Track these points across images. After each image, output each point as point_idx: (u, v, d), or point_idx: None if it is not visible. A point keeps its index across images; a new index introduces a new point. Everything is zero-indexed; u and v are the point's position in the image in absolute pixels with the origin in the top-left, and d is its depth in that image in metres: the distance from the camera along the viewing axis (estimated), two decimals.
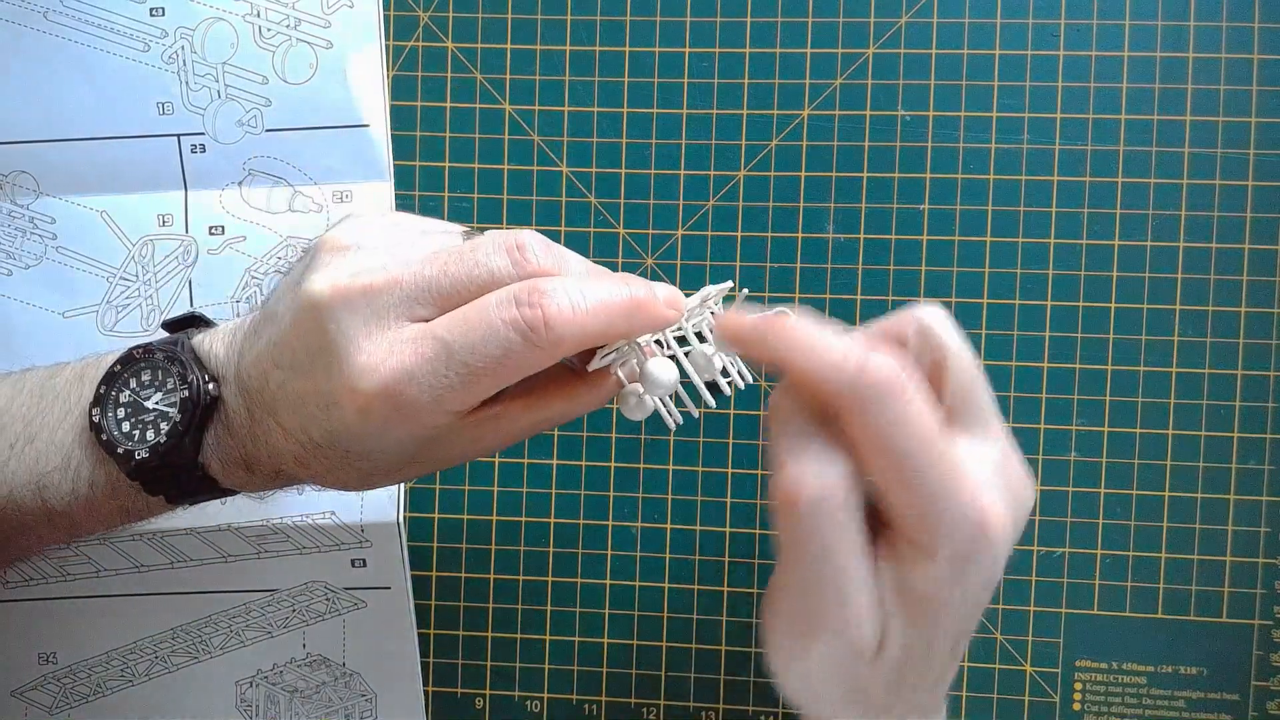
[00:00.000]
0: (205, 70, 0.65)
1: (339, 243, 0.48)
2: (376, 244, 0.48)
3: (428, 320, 0.46)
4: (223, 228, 0.66)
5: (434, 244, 0.48)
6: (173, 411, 0.49)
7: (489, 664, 0.67)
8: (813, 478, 0.41)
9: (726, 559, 0.66)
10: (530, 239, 0.47)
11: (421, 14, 0.66)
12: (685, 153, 0.65)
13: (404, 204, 0.66)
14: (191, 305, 0.66)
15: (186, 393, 0.48)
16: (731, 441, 0.65)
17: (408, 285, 0.46)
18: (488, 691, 0.67)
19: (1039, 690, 0.64)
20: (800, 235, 0.64)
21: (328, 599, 0.67)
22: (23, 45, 0.65)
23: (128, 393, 0.50)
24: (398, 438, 0.46)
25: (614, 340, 0.47)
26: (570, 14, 0.65)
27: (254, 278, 0.66)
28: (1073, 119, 0.63)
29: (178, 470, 0.49)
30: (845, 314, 0.64)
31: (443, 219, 0.65)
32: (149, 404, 0.50)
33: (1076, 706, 0.64)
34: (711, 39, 0.64)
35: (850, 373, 0.40)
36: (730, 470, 0.65)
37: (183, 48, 0.65)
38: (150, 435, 0.49)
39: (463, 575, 0.67)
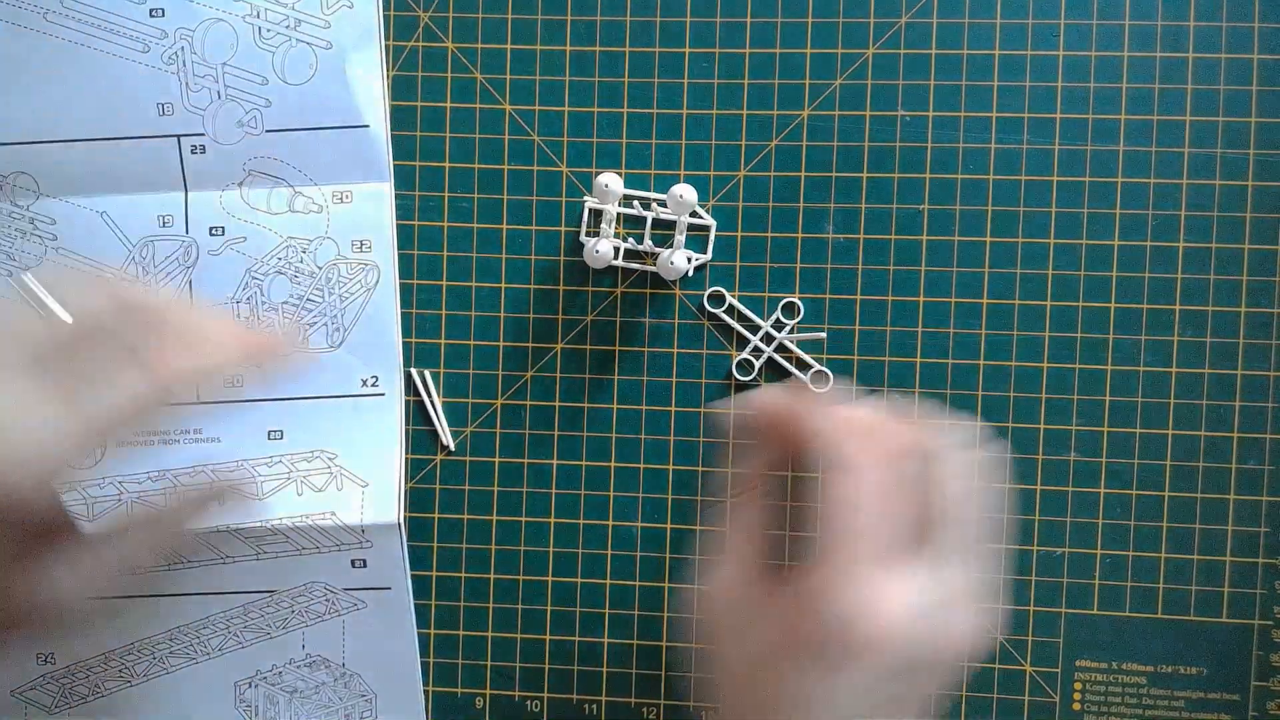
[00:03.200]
0: (205, 71, 0.65)
1: None
2: None
3: None
4: (223, 229, 0.66)
5: None
6: None
7: (489, 664, 0.67)
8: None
9: None
10: None
11: (421, 14, 0.66)
12: (685, 153, 0.65)
13: (404, 204, 0.66)
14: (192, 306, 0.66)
15: None
16: (731, 441, 0.65)
17: None
18: (488, 691, 0.67)
19: (1039, 690, 0.64)
20: (800, 235, 0.64)
21: (327, 599, 0.67)
22: (22, 46, 0.65)
23: None
24: None
25: None
26: (570, 14, 0.65)
27: (254, 278, 0.66)
28: (1073, 119, 0.63)
29: None
30: (845, 314, 0.64)
31: (443, 220, 0.65)
32: None
33: (1076, 706, 0.64)
34: (711, 39, 0.64)
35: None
36: (730, 470, 0.65)
37: (183, 48, 0.65)
38: None
39: (463, 575, 0.67)
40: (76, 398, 0.44)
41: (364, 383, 0.66)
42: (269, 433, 0.66)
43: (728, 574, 0.52)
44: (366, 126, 0.66)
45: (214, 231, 0.66)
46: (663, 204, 0.64)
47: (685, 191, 0.61)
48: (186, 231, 0.66)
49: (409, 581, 0.67)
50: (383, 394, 0.66)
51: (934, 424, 0.51)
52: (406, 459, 0.67)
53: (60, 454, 0.43)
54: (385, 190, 0.66)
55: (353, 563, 0.67)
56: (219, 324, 0.50)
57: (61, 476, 0.45)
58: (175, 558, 0.66)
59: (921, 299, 0.64)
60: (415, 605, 0.67)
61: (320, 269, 0.66)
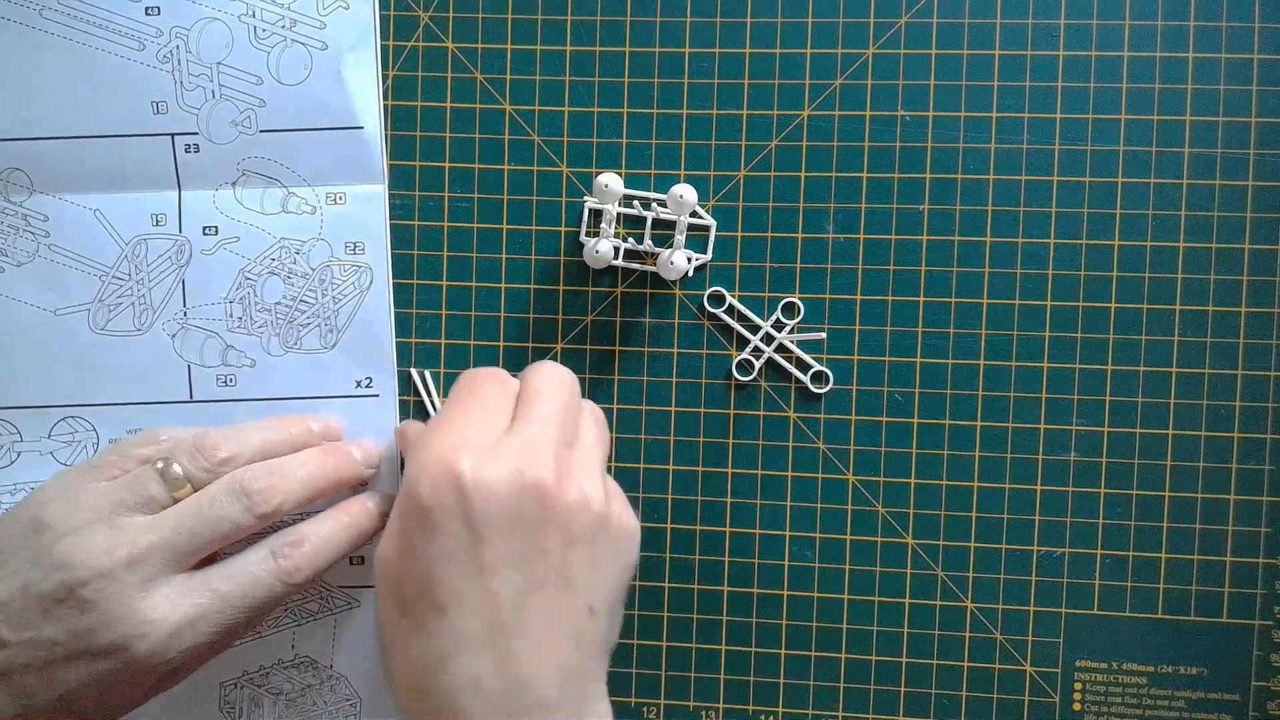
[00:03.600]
0: (200, 70, 0.65)
1: (43, 529, 0.56)
2: (81, 520, 0.56)
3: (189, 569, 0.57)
4: (216, 228, 0.66)
5: (118, 491, 0.57)
6: None
7: None
8: None
9: (726, 559, 0.65)
10: (250, 481, 0.58)
11: (421, 14, 0.65)
12: (685, 153, 0.65)
13: (404, 204, 0.66)
14: (185, 305, 0.66)
15: None
16: (731, 442, 0.65)
17: (163, 551, 0.55)
18: None
19: (1039, 690, 0.64)
20: (800, 235, 0.64)
21: (321, 597, 0.67)
22: (17, 42, 0.64)
23: None
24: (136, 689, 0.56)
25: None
26: (570, 14, 0.65)
27: (247, 279, 0.66)
28: (1073, 119, 0.63)
29: None
30: (845, 314, 0.64)
31: (443, 220, 0.65)
32: None
33: (1076, 706, 0.64)
34: (711, 39, 0.64)
35: None
36: (730, 470, 0.65)
37: (178, 47, 0.65)
38: None
39: None
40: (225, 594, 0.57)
41: (358, 384, 0.66)
42: None
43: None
44: (361, 128, 0.65)
45: (207, 231, 0.66)
46: (663, 204, 0.64)
47: (685, 192, 0.61)
48: (179, 230, 0.66)
49: None
50: (377, 395, 0.66)
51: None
52: (402, 459, 0.66)
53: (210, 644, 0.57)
54: (379, 192, 0.66)
55: (350, 560, 0.66)
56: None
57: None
58: None
59: (921, 299, 0.64)
60: None
61: (313, 270, 0.66)
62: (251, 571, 0.57)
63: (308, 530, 0.60)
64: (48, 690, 0.53)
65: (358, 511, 0.62)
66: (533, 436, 0.52)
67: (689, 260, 0.63)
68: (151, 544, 0.55)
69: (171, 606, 0.54)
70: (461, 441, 0.51)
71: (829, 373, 0.64)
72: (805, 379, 0.64)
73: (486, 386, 0.56)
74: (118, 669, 0.53)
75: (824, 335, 0.64)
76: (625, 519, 0.54)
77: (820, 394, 0.64)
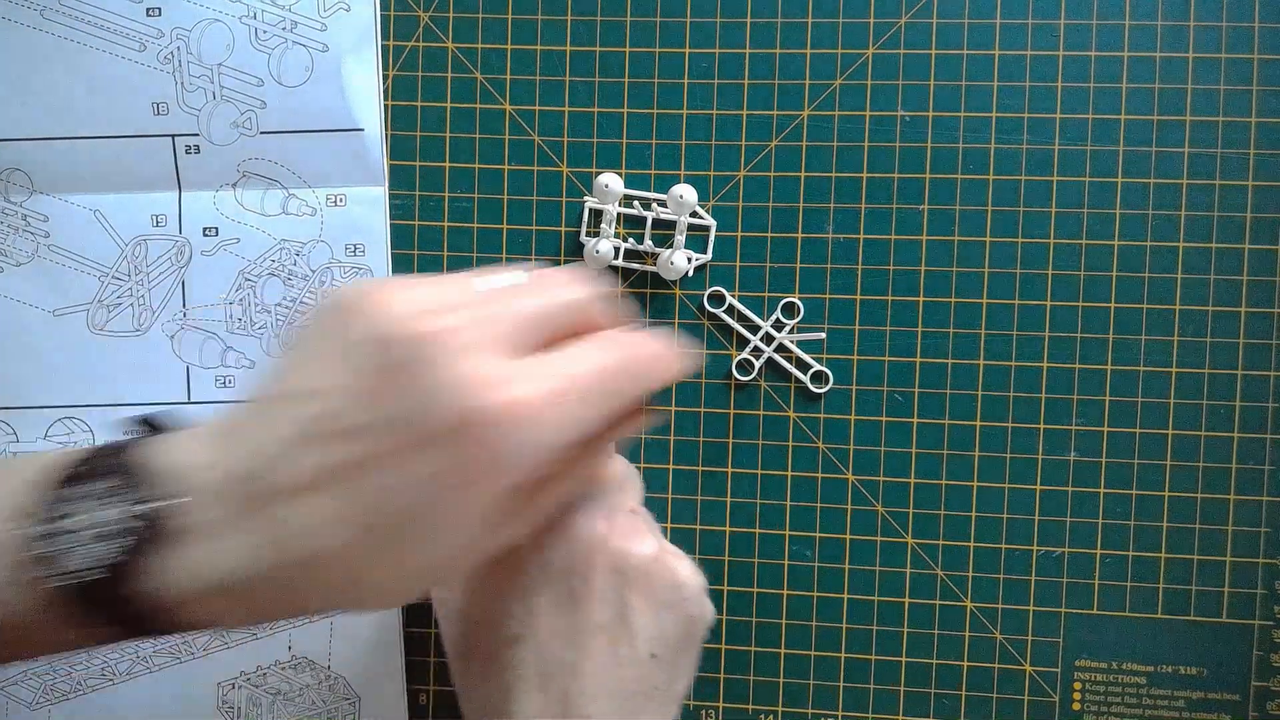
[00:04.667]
0: (201, 71, 0.65)
1: (375, 287, 0.43)
2: (419, 282, 0.44)
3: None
4: (216, 229, 0.66)
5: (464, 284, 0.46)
6: (117, 529, 0.41)
7: None
8: None
9: (726, 559, 0.65)
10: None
11: (421, 14, 0.66)
12: (685, 153, 0.65)
13: (404, 204, 0.66)
14: (184, 306, 0.66)
15: (143, 506, 0.41)
16: (731, 441, 0.65)
17: (507, 316, 0.44)
18: None
19: (1039, 690, 0.64)
20: (800, 235, 0.64)
21: None
22: (19, 43, 0.65)
23: (65, 505, 0.42)
24: (482, 495, 0.43)
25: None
26: (570, 14, 0.65)
27: (247, 280, 0.66)
28: (1073, 119, 0.63)
29: (118, 602, 0.41)
30: (845, 314, 0.64)
31: (443, 220, 0.65)
32: (92, 519, 0.42)
33: (1076, 706, 0.64)
34: (711, 39, 0.65)
35: None
36: (730, 470, 0.65)
37: (179, 48, 0.65)
38: (87, 557, 0.41)
39: None
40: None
41: None
42: None
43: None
44: (361, 130, 0.65)
45: (207, 232, 0.66)
46: (663, 204, 0.64)
47: (685, 192, 0.62)
48: (180, 231, 0.66)
49: None
50: None
51: None
52: None
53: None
54: (379, 194, 0.66)
55: None
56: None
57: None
58: None
59: (921, 299, 0.64)
60: (417, 605, 0.67)
61: (314, 272, 0.66)
62: (609, 362, 0.46)
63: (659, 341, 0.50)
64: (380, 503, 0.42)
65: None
66: (594, 503, 0.53)
67: (689, 260, 0.63)
68: (485, 305, 0.43)
69: (504, 379, 0.42)
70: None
71: (829, 372, 0.64)
72: (805, 379, 0.64)
73: None
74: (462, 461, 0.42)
75: (824, 335, 0.64)
76: (685, 571, 0.54)
77: (820, 393, 0.64)
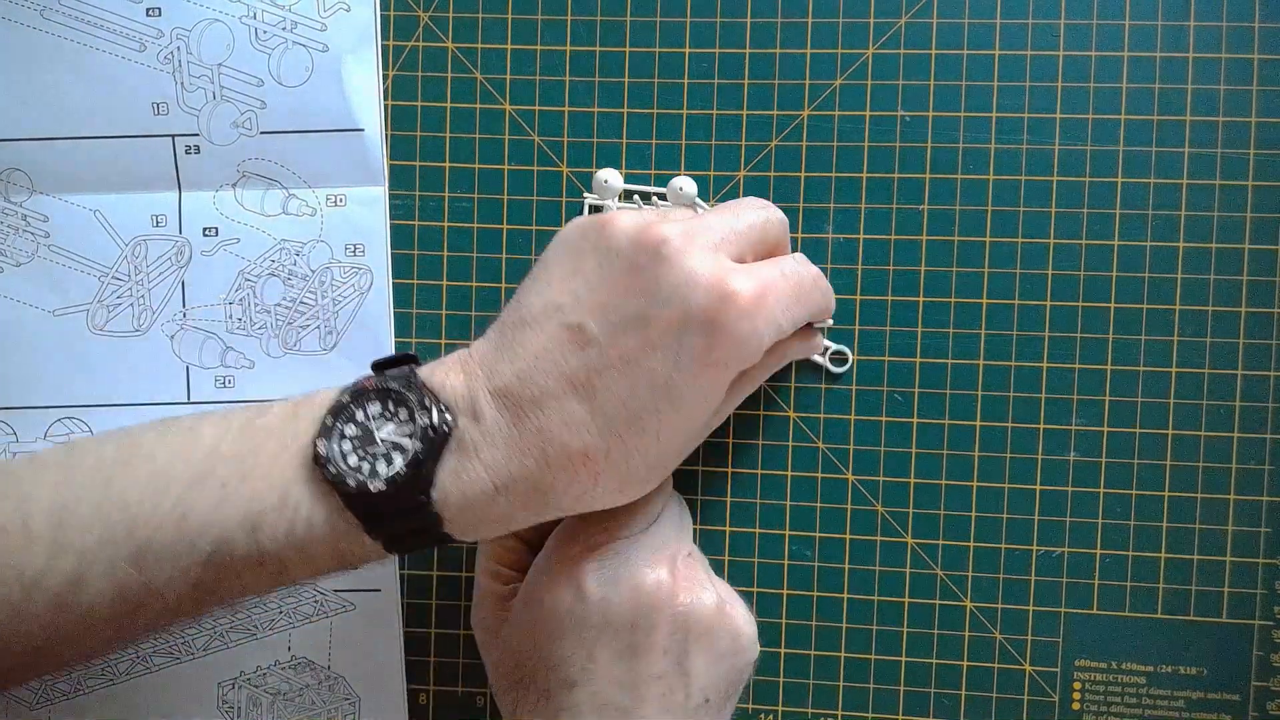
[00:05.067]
0: (201, 71, 0.65)
1: (602, 217, 0.52)
2: (635, 211, 0.54)
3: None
4: (216, 229, 0.66)
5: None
6: (408, 442, 0.49)
7: None
8: None
9: (726, 558, 0.65)
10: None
11: (421, 14, 0.66)
12: (685, 153, 0.65)
13: (404, 204, 0.66)
14: (184, 306, 0.66)
15: (427, 420, 0.49)
16: (731, 441, 0.65)
17: (719, 227, 0.52)
18: (488, 691, 0.67)
19: (1038, 690, 0.64)
20: (800, 235, 0.64)
21: (316, 601, 0.67)
22: (19, 43, 0.65)
23: (354, 426, 0.49)
24: (719, 382, 0.51)
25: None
26: (570, 14, 0.65)
27: (247, 280, 0.66)
28: (1073, 119, 0.63)
29: (409, 509, 0.49)
30: (845, 314, 0.64)
31: (443, 220, 0.65)
32: (381, 435, 0.49)
33: (1076, 706, 0.64)
34: (711, 39, 0.65)
35: None
36: (730, 470, 0.65)
37: (179, 48, 0.65)
38: (383, 468, 0.48)
39: (463, 575, 0.67)
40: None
41: None
42: None
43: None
44: (361, 130, 0.66)
45: (207, 232, 0.66)
46: (663, 198, 0.64)
47: (685, 184, 0.62)
48: (179, 232, 0.66)
49: (400, 585, 0.67)
50: None
51: None
52: None
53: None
54: (379, 194, 0.66)
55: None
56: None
57: None
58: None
59: (921, 299, 0.64)
60: (417, 605, 0.67)
61: (313, 272, 0.66)
62: (804, 276, 0.56)
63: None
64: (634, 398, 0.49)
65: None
66: (647, 550, 0.55)
67: None
68: (700, 219, 0.53)
69: (744, 275, 0.50)
70: (584, 552, 0.54)
71: (847, 351, 0.64)
72: (825, 360, 0.64)
73: None
74: (714, 342, 0.49)
75: (824, 338, 0.65)
76: (742, 619, 0.56)
77: (839, 374, 0.64)
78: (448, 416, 0.49)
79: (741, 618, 0.56)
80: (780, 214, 0.56)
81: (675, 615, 0.53)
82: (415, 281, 0.66)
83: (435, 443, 0.48)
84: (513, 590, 0.58)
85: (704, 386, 0.50)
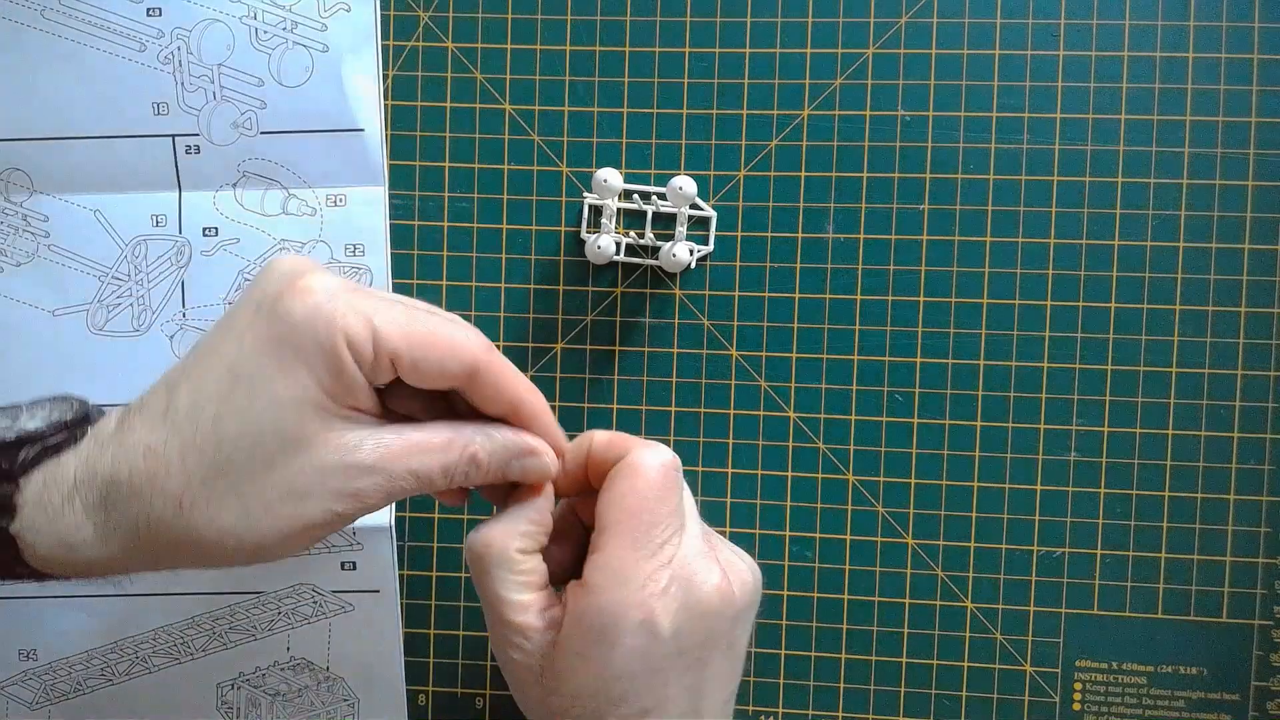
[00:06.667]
0: (201, 71, 0.65)
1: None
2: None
3: None
4: (216, 229, 0.66)
5: None
6: (36, 421, 0.50)
7: (489, 664, 0.67)
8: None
9: None
10: None
11: (421, 14, 0.66)
12: (685, 153, 0.65)
13: (404, 204, 0.66)
14: (184, 306, 0.66)
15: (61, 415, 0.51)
16: (731, 441, 0.65)
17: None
18: (488, 691, 0.67)
19: (1039, 690, 0.64)
20: (800, 235, 0.64)
21: (315, 602, 0.67)
22: (19, 43, 0.65)
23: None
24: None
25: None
26: (570, 14, 0.65)
27: (246, 280, 0.66)
28: (1073, 119, 0.63)
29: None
30: (845, 314, 0.65)
31: (443, 220, 0.65)
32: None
33: (1076, 706, 0.64)
34: (711, 39, 0.65)
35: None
36: (730, 470, 0.65)
37: (179, 48, 0.65)
38: None
39: (463, 575, 0.67)
40: None
41: None
42: None
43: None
44: (361, 130, 0.65)
45: (207, 232, 0.66)
46: (662, 197, 0.64)
47: (685, 183, 0.62)
48: (179, 232, 0.66)
49: (398, 586, 0.67)
50: None
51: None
52: None
53: None
54: (379, 195, 0.66)
55: (342, 565, 0.66)
56: None
57: None
58: None
59: (921, 299, 0.64)
60: (416, 605, 0.67)
61: None
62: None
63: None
64: None
65: None
66: (694, 555, 0.53)
67: (691, 253, 0.63)
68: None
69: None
70: (644, 584, 0.51)
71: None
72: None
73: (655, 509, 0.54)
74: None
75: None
76: (758, 575, 0.56)
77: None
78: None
79: (757, 573, 0.56)
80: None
81: (736, 615, 0.53)
82: (415, 281, 0.66)
83: (58, 428, 0.50)
84: (550, 621, 0.54)
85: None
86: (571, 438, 0.54)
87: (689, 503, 0.55)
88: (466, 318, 0.65)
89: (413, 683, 0.67)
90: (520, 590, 0.52)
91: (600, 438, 0.54)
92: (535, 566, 0.53)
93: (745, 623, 0.54)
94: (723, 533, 0.65)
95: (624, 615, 0.50)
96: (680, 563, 0.52)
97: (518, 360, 0.65)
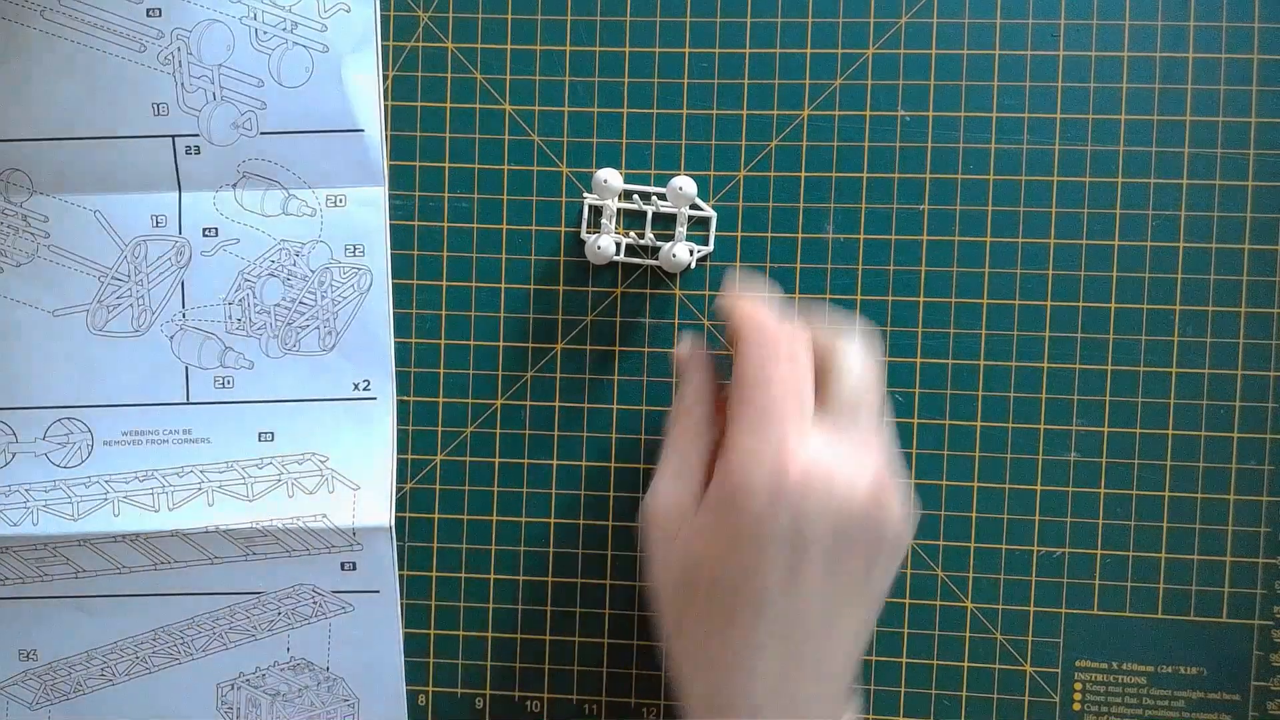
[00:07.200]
0: (201, 72, 0.65)
1: None
2: None
3: None
4: (216, 230, 0.66)
5: None
6: None
7: (489, 664, 0.67)
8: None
9: None
10: None
11: (421, 14, 0.66)
12: (685, 153, 0.65)
13: (404, 205, 0.66)
14: (183, 307, 0.66)
15: None
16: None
17: None
18: (488, 691, 0.67)
19: (1039, 690, 0.64)
20: (800, 235, 0.64)
21: (315, 602, 0.67)
22: (19, 43, 0.65)
23: None
24: None
25: None
26: (570, 14, 0.65)
27: (246, 280, 0.66)
28: (1073, 119, 0.63)
29: None
30: (845, 314, 0.64)
31: (443, 220, 0.65)
32: None
33: (1076, 706, 0.64)
34: (711, 39, 0.65)
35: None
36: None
37: (179, 49, 0.65)
38: None
39: (462, 575, 0.67)
40: None
41: (355, 386, 0.66)
42: (259, 434, 0.66)
43: (666, 487, 0.55)
44: (362, 131, 0.65)
45: (207, 233, 0.66)
46: (662, 197, 0.64)
47: (684, 183, 0.62)
48: (179, 232, 0.66)
49: (398, 586, 0.66)
50: (374, 398, 0.66)
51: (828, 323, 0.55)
52: (397, 462, 0.66)
53: None
54: (379, 195, 0.66)
55: (342, 565, 0.66)
56: None
57: None
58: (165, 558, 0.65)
59: (921, 299, 0.64)
60: (416, 605, 0.67)
61: (313, 272, 0.66)
62: None
63: None
64: None
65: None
66: (859, 450, 0.52)
67: (691, 253, 0.63)
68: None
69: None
70: (790, 453, 0.50)
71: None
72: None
73: (788, 368, 0.52)
74: None
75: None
76: (909, 530, 0.54)
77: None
78: None
79: (904, 512, 0.53)
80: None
81: (878, 536, 0.51)
82: (415, 281, 0.66)
83: None
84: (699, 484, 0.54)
85: None
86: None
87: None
88: (466, 317, 0.65)
89: (413, 683, 0.67)
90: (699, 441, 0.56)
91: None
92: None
93: (887, 563, 0.53)
94: None
95: (759, 489, 0.50)
96: (832, 454, 0.51)
97: (518, 360, 0.65)
